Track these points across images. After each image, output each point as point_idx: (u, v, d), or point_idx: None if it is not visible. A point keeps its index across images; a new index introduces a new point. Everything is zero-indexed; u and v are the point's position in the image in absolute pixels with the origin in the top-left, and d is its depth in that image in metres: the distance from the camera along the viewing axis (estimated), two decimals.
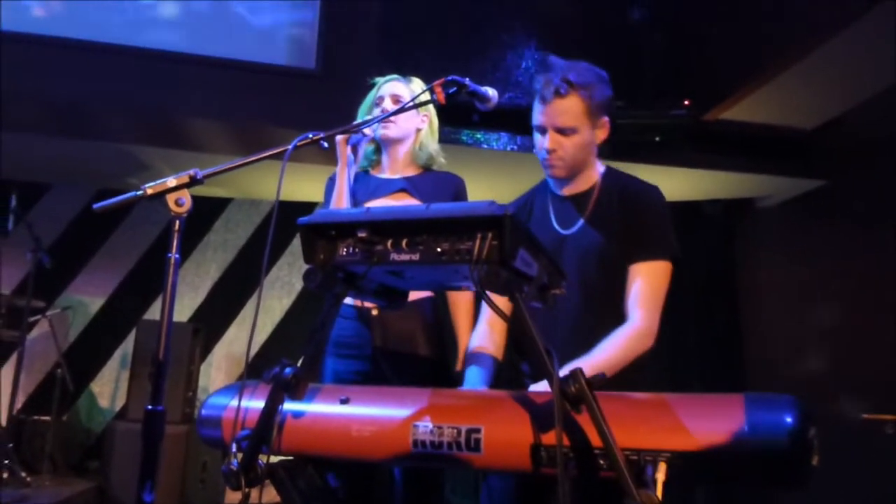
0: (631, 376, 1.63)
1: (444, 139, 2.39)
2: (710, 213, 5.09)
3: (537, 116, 1.76)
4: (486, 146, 4.14)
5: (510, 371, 1.87)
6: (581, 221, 1.79)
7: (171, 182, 1.34)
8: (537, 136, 1.79)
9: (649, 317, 1.67)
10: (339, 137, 2.07)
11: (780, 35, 3.65)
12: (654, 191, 1.81)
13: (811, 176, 4.46)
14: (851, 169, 4.20)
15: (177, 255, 1.32)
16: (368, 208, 1.22)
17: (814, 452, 1.11)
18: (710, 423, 1.13)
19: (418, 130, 2.26)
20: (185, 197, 1.34)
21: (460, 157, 3.59)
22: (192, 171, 1.35)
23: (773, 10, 3.71)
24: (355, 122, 1.96)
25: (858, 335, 4.06)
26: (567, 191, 1.84)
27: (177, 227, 1.34)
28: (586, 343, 1.63)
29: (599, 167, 1.86)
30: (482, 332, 1.84)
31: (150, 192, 1.33)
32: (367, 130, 2.08)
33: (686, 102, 3.91)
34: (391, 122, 2.16)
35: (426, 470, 2.01)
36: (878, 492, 3.64)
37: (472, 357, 1.78)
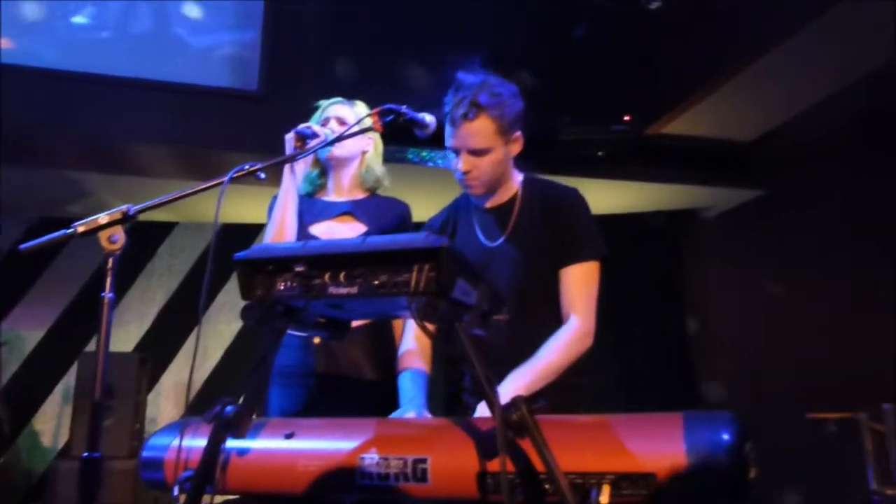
0: (571, 380, 1.67)
1: (389, 158, 2.39)
2: (654, 224, 5.21)
3: (449, 139, 1.76)
4: (431, 164, 4.15)
5: (448, 384, 1.87)
6: (506, 232, 1.81)
7: (103, 219, 1.31)
8: (452, 157, 1.79)
9: (586, 318, 1.71)
10: (288, 135, 2.02)
11: (717, 50, 3.77)
12: (573, 193, 1.85)
13: (750, 186, 4.61)
14: (788, 178, 4.35)
15: (111, 295, 1.29)
16: (305, 242, 1.21)
17: (750, 466, 1.13)
18: (650, 443, 1.14)
19: (364, 152, 2.26)
20: (119, 234, 1.31)
21: (406, 176, 3.59)
22: (124, 207, 1.33)
23: (709, 26, 3.83)
24: (299, 151, 1.95)
25: (798, 337, 4.19)
26: (489, 203, 1.87)
27: (110, 265, 1.31)
28: (525, 351, 1.65)
29: (517, 176, 1.89)
30: (410, 346, 1.83)
31: (80, 230, 1.30)
32: (315, 128, 2.05)
33: (626, 118, 4.00)
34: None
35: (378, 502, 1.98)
36: (820, 485, 3.74)
37: (407, 373, 1.76)
